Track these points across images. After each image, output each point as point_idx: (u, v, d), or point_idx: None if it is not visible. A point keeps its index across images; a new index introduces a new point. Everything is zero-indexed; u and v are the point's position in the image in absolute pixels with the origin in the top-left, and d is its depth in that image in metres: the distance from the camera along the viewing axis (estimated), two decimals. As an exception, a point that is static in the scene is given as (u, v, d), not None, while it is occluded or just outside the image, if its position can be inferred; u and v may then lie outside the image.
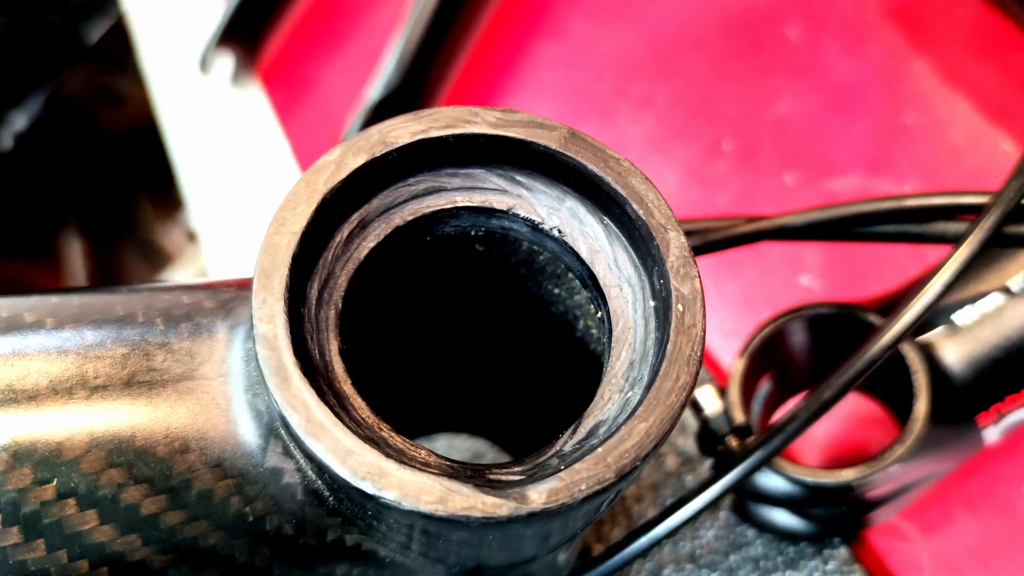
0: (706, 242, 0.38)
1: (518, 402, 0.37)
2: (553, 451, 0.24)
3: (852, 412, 0.50)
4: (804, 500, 0.38)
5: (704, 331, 0.24)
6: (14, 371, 0.24)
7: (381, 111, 0.72)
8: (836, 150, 0.56)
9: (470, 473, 0.24)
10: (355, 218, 0.26)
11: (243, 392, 0.25)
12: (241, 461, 0.25)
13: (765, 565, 0.47)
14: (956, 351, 0.37)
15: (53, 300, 0.26)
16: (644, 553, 0.35)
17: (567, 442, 0.24)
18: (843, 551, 0.45)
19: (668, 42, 0.63)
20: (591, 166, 0.25)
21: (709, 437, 0.39)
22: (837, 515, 0.41)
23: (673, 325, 0.24)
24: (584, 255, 0.27)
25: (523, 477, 0.23)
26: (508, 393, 0.38)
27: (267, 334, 0.22)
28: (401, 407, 0.37)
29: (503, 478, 0.24)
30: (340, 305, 0.25)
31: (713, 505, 0.34)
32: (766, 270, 0.55)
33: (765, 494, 0.38)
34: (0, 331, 0.25)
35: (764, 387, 0.44)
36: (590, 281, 0.27)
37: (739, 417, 0.38)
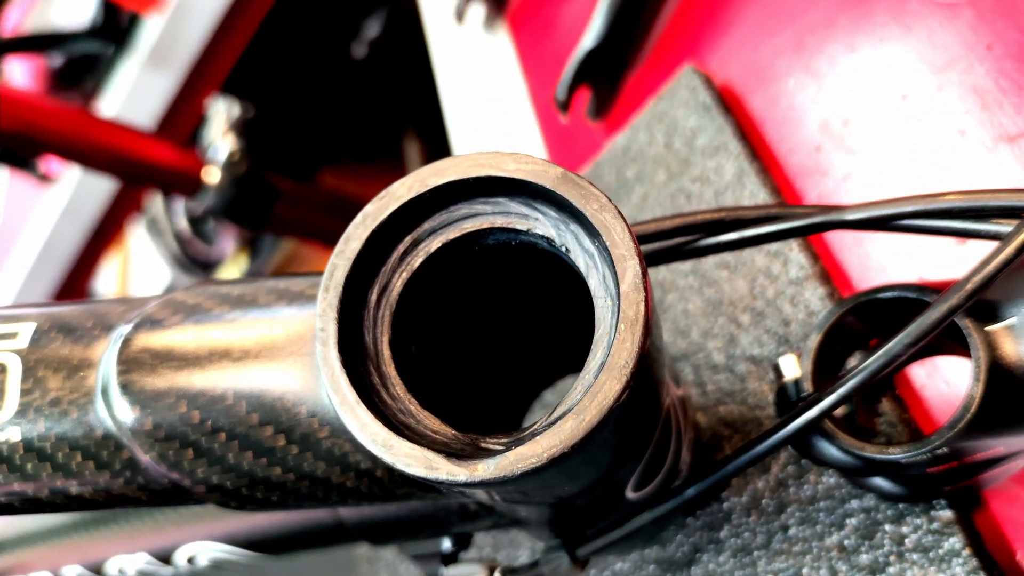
0: (779, 230, 0.41)
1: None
2: (531, 428, 0.32)
3: None
4: (863, 471, 0.41)
5: (640, 349, 0.29)
6: (188, 344, 0.36)
7: (591, 59, 0.78)
8: None
9: (467, 442, 0.32)
10: (408, 239, 0.34)
11: (324, 368, 0.35)
12: (329, 415, 0.35)
13: (876, 516, 0.49)
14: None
15: (223, 290, 0.38)
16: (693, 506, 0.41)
17: (543, 422, 0.32)
18: (947, 513, 0.46)
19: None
20: (574, 202, 0.31)
21: (784, 402, 0.43)
22: (921, 483, 0.43)
23: (616, 339, 0.30)
24: (582, 270, 0.33)
25: (503, 448, 0.31)
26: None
27: (322, 334, 0.32)
28: (488, 382, 0.46)
29: (490, 447, 0.31)
30: (394, 306, 0.34)
31: (743, 470, 0.39)
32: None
33: (834, 463, 0.42)
34: (187, 316, 0.37)
35: (858, 358, 0.46)
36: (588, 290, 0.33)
37: (808, 387, 0.42)
